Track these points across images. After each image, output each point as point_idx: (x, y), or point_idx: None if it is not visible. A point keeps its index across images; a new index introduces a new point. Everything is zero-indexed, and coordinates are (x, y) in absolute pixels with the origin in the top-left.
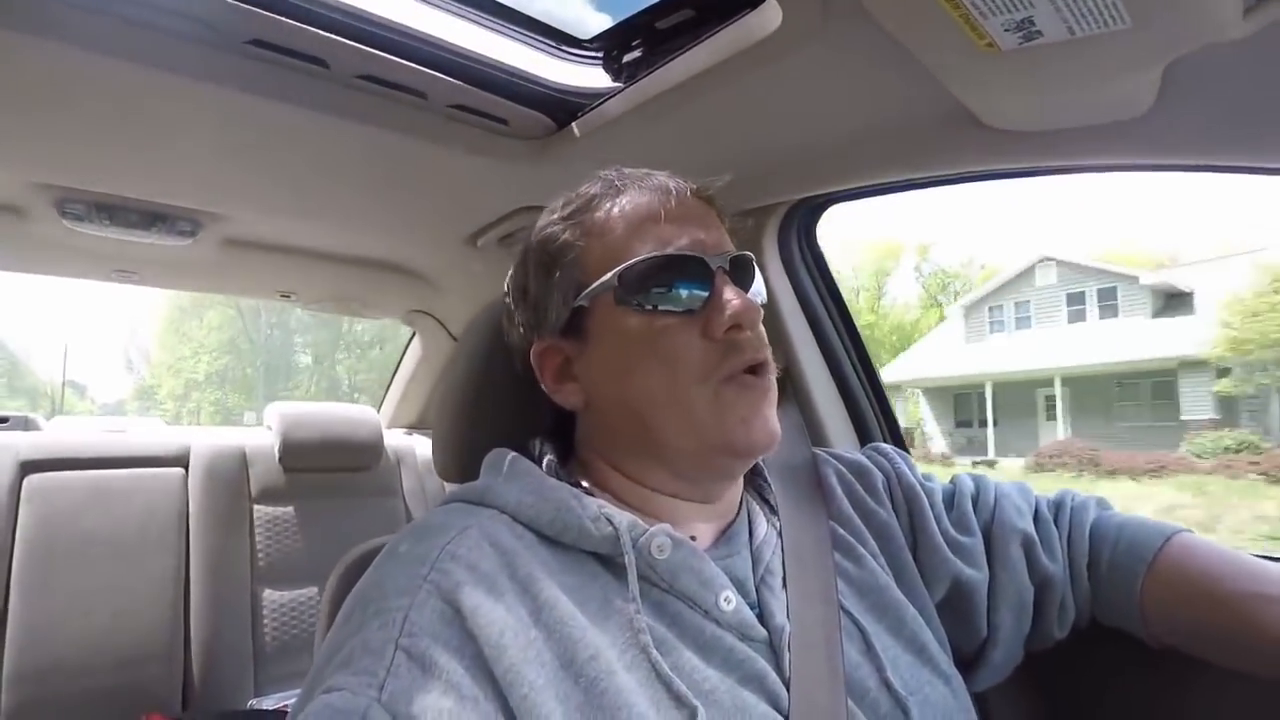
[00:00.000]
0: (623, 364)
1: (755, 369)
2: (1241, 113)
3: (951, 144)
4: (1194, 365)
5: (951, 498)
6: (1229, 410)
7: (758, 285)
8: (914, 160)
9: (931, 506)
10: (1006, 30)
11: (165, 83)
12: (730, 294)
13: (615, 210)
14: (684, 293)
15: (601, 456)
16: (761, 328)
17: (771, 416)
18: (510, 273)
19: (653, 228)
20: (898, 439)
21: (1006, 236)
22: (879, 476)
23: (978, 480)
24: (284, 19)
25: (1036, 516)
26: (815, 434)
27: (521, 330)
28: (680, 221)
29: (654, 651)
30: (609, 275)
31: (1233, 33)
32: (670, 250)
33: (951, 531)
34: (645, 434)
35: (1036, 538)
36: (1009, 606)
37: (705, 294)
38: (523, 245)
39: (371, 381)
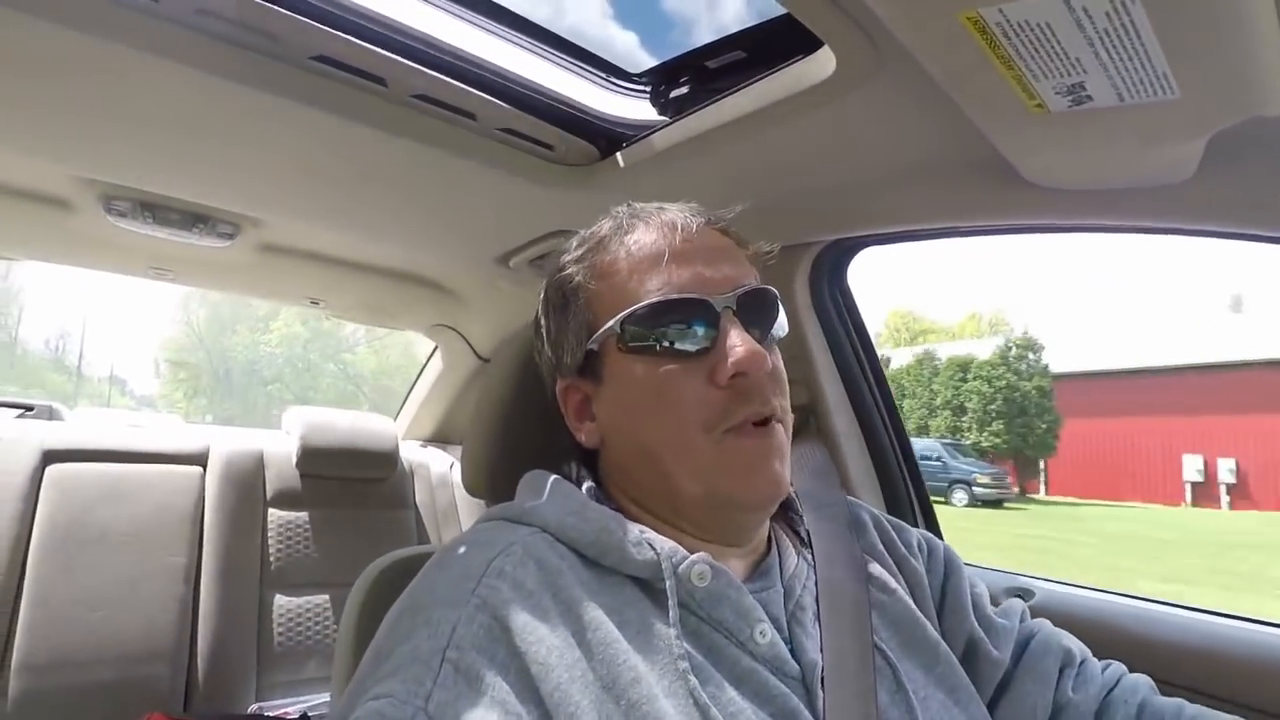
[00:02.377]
0: (631, 409)
1: (762, 420)
2: None
3: (991, 196)
4: None
5: (996, 602)
6: None
7: (780, 319)
8: (953, 209)
9: (973, 587)
10: (1058, 93)
11: (226, 90)
12: (736, 339)
13: (622, 252)
14: (687, 336)
15: (624, 493)
16: (780, 370)
17: (776, 469)
18: (538, 308)
19: (655, 269)
20: (918, 483)
21: None
22: (915, 536)
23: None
24: (349, 37)
25: (1083, 656)
26: (837, 471)
27: (547, 367)
28: (685, 260)
29: (693, 678)
30: (613, 321)
31: (1277, 108)
32: (671, 294)
33: (987, 611)
34: (657, 478)
35: (1076, 666)
36: (1017, 712)
37: (710, 337)
38: (546, 283)
39: (286, 401)
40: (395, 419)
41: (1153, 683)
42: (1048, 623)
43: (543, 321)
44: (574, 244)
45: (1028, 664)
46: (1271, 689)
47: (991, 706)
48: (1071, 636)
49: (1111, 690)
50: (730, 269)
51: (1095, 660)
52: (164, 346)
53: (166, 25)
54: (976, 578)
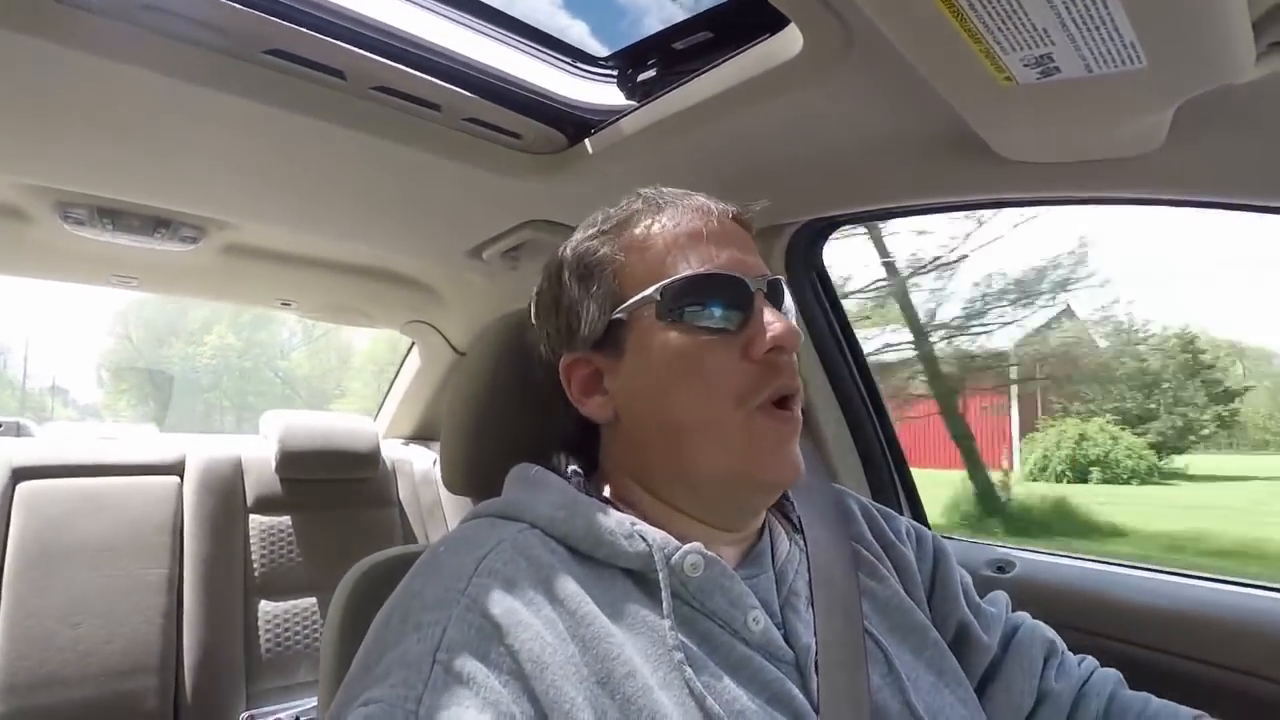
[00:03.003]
0: (659, 379)
1: (786, 401)
2: (1250, 153)
3: (963, 171)
4: None
5: (982, 593)
6: None
7: (789, 308)
8: (925, 186)
9: (961, 576)
10: (1026, 65)
11: (179, 90)
12: (770, 316)
13: (656, 227)
14: (724, 312)
15: (628, 472)
16: (795, 356)
17: (796, 451)
18: (537, 286)
19: (695, 246)
20: (902, 468)
21: None
22: (904, 524)
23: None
24: (303, 29)
25: (1061, 648)
26: (820, 456)
27: (549, 342)
28: (720, 242)
29: (688, 669)
30: (651, 289)
31: (1245, 76)
32: (712, 269)
33: (976, 598)
34: (675, 454)
35: (1059, 656)
36: (1005, 698)
37: (744, 315)
38: (555, 258)
39: (225, 408)
40: (375, 418)
41: (1121, 676)
42: (1028, 615)
43: (553, 296)
44: (598, 218)
45: (1015, 652)
46: (1245, 649)
47: (980, 692)
48: (1050, 629)
49: (1085, 683)
50: (754, 257)
51: (1071, 654)
52: (104, 358)
53: (112, 23)
54: (968, 577)
